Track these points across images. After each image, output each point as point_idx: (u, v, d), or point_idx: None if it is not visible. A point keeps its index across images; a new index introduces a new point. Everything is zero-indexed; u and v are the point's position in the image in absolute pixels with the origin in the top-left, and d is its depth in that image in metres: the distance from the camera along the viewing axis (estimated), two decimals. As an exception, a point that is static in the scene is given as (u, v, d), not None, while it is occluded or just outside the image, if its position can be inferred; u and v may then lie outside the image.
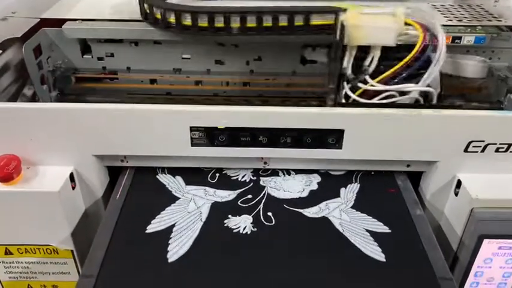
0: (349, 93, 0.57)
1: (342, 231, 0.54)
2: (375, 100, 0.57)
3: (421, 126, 0.56)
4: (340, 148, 0.57)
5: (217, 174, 0.63)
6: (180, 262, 0.50)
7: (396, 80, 0.56)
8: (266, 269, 0.49)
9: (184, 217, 0.56)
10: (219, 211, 0.56)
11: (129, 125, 0.56)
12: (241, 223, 0.55)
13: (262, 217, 0.56)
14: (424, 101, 0.58)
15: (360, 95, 0.57)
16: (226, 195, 0.59)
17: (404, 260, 0.51)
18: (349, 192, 0.60)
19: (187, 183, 0.61)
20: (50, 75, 0.70)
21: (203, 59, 0.71)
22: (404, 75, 0.56)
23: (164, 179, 0.62)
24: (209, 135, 0.57)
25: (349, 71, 0.57)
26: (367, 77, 0.57)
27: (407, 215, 0.57)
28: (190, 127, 0.56)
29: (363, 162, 0.62)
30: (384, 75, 0.56)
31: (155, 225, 0.54)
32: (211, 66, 0.72)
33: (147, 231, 0.53)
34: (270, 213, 0.56)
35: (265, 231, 0.54)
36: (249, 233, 0.53)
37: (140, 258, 0.50)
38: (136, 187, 0.61)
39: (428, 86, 0.56)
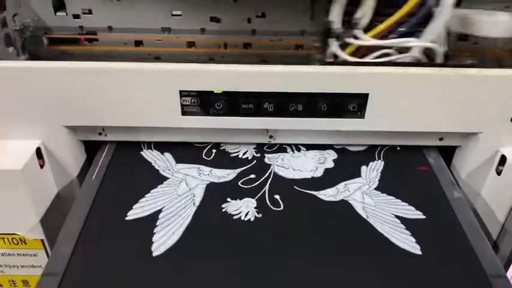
0: (338, 51, 0.47)
1: (365, 217, 0.44)
2: (368, 59, 0.47)
3: (461, 89, 0.46)
4: (363, 117, 0.47)
5: (214, 151, 0.53)
6: (167, 256, 0.40)
7: (393, 36, 0.47)
8: (274, 264, 0.40)
9: (174, 201, 0.46)
10: (215, 194, 0.47)
11: (105, 88, 0.46)
12: (243, 208, 0.45)
13: (268, 201, 0.46)
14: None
15: (352, 54, 0.48)
16: (224, 175, 0.49)
17: (444, 253, 0.41)
18: (372, 170, 0.51)
19: (178, 160, 0.51)
20: (17, 36, 0.60)
21: (196, 15, 0.60)
22: (403, 29, 0.46)
23: (150, 155, 0.52)
24: (203, 102, 0.47)
25: (337, 25, 0.47)
26: (359, 32, 0.47)
27: (443, 197, 0.47)
28: (180, 91, 0.46)
29: (387, 135, 0.52)
30: (379, 27, 0.47)
31: (137, 211, 0.45)
32: (205, 25, 0.61)
33: (127, 218, 0.44)
34: (277, 196, 0.47)
35: (272, 218, 0.44)
36: (252, 219, 0.44)
37: (117, 251, 0.41)
38: (117, 165, 0.51)
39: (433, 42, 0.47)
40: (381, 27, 0.47)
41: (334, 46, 0.48)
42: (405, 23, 0.47)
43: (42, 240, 0.50)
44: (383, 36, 0.47)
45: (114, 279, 0.38)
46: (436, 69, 0.46)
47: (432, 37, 0.46)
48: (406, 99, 0.47)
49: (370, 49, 0.48)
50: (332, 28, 0.48)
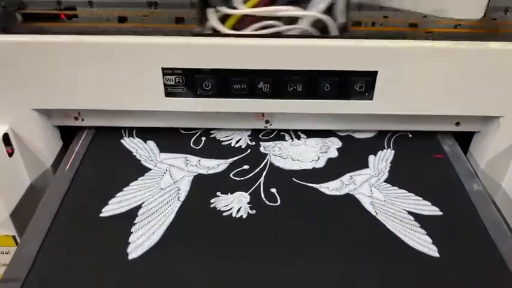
0: (217, 25, 0.42)
1: (374, 213, 0.39)
2: (248, 30, 0.42)
3: (485, 65, 0.40)
4: (371, 99, 0.42)
5: (203, 139, 0.48)
6: (145, 260, 0.35)
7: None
8: (269, 269, 0.34)
9: (156, 195, 0.40)
10: (203, 187, 0.41)
11: (78, 65, 0.42)
12: (234, 203, 0.40)
13: (263, 195, 0.41)
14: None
15: (234, 28, 0.43)
16: (214, 166, 0.44)
17: (465, 254, 0.36)
18: (381, 160, 0.45)
19: (162, 149, 0.46)
20: (-13, 11, 0.54)
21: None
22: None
23: (131, 144, 0.47)
24: (189, 81, 0.42)
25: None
26: (238, 1, 0.42)
27: (461, 190, 0.42)
28: (163, 69, 0.41)
29: (398, 120, 0.47)
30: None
31: (114, 207, 0.39)
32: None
33: (101, 215, 0.38)
34: (273, 190, 0.41)
35: (268, 215, 0.39)
36: (244, 217, 0.38)
37: (88, 254, 0.35)
38: (93, 155, 0.46)
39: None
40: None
41: (213, 19, 0.42)
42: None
43: (13, 237, 0.45)
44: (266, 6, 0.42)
45: (82, 286, 0.33)
46: (452, 43, 0.40)
47: (322, 6, 0.41)
48: (420, 77, 0.42)
49: (255, 21, 0.42)
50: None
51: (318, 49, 0.40)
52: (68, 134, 0.49)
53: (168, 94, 0.42)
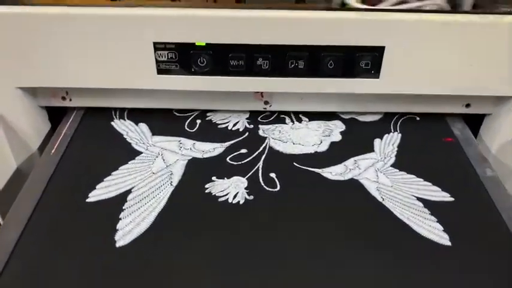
0: None
1: (381, 199, 0.36)
2: (382, 6, 0.39)
3: (495, 41, 0.37)
4: (377, 77, 0.39)
5: (198, 121, 0.45)
6: (134, 247, 0.32)
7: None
8: (266, 258, 0.31)
9: (147, 180, 0.38)
10: (198, 171, 0.39)
11: (64, 39, 0.39)
12: (231, 188, 0.37)
13: (261, 180, 0.38)
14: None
15: (363, 1, 0.40)
16: (210, 149, 0.41)
17: (479, 242, 0.33)
18: (387, 144, 0.42)
19: (155, 132, 0.43)
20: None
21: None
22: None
23: (122, 126, 0.44)
24: (183, 57, 0.39)
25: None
26: None
27: (473, 176, 0.39)
28: (155, 43, 0.38)
29: (405, 101, 0.44)
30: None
31: (101, 192, 0.37)
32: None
33: (88, 200, 0.36)
34: (272, 175, 0.38)
35: (266, 201, 0.36)
36: (241, 202, 0.36)
37: (73, 240, 0.33)
38: (82, 137, 0.43)
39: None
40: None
41: None
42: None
43: (-2, 223, 0.43)
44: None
45: (66, 275, 0.30)
46: (465, 16, 0.37)
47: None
48: (430, 54, 0.39)
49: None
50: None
51: (320, 22, 0.37)
52: (56, 116, 0.47)
53: (160, 71, 0.39)
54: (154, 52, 0.38)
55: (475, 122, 0.47)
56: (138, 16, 0.37)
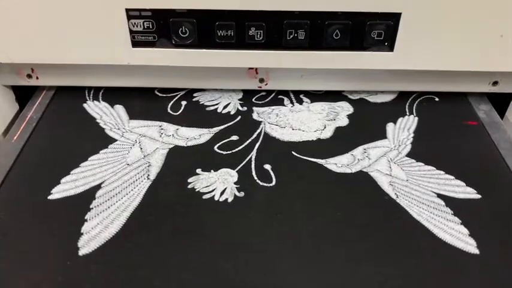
0: None
1: (394, 196, 0.31)
2: None
3: None
4: (391, 49, 0.33)
5: (184, 103, 0.39)
6: (99, 257, 0.27)
7: None
8: (259, 270, 0.26)
9: (120, 173, 0.32)
10: (180, 162, 0.34)
11: (24, 8, 0.32)
12: (218, 183, 0.31)
13: (254, 173, 0.33)
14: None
15: None
16: (195, 136, 0.36)
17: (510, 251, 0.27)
18: (402, 130, 0.37)
19: (133, 116, 0.38)
20: None
21: None
22: None
23: (96, 108, 0.38)
24: (161, 27, 0.33)
25: None
26: None
27: (502, 166, 0.34)
28: (127, 10, 0.32)
29: (422, 79, 0.39)
30: None
31: (66, 187, 0.31)
32: None
33: (50, 197, 0.30)
34: (267, 167, 0.33)
35: (259, 198, 0.31)
36: (230, 200, 0.30)
37: (29, 245, 0.28)
38: (49, 122, 0.38)
39: None
40: None
41: None
42: None
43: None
44: None
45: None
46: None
47: None
48: (452, 22, 0.33)
49: None
50: None
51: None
52: (25, 97, 0.41)
53: (135, 44, 0.34)
54: (128, 21, 0.33)
55: (502, 103, 0.41)
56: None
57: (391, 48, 0.34)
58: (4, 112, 0.41)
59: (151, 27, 0.33)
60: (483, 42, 0.34)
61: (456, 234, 0.28)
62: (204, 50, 0.34)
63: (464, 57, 0.35)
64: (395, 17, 0.32)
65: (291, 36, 0.33)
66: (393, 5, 0.32)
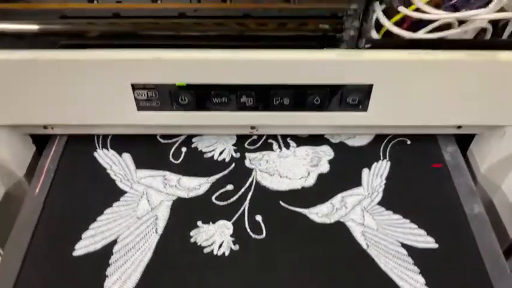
0: (383, 19, 0.35)
1: (365, 246, 0.36)
2: (421, 33, 0.36)
3: (494, 77, 0.36)
4: (365, 110, 0.38)
5: (184, 149, 0.44)
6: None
7: (453, 2, 0.36)
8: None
9: (132, 227, 0.38)
10: (183, 215, 0.39)
11: (39, 82, 0.37)
12: (216, 237, 0.37)
13: (247, 224, 0.38)
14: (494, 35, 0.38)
15: (397, 23, 0.36)
16: (195, 186, 0.41)
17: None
18: (376, 176, 0.42)
19: (139, 165, 0.42)
20: None
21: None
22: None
23: (105, 158, 0.43)
24: (163, 95, 0.37)
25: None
26: None
27: (460, 214, 0.39)
28: (133, 85, 0.36)
29: (396, 126, 0.42)
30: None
31: (87, 242, 0.37)
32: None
33: (75, 254, 0.36)
34: (258, 218, 0.38)
35: (251, 251, 0.37)
36: (227, 254, 0.36)
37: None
38: (65, 173, 0.42)
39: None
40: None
41: (377, 12, 0.35)
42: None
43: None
44: (436, 5, 0.35)
45: None
46: (468, 53, 0.35)
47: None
48: (418, 89, 0.37)
49: (425, 19, 0.36)
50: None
51: (304, 63, 0.35)
52: (40, 139, 0.45)
53: (140, 108, 0.38)
54: (133, 91, 0.36)
55: (467, 137, 0.46)
56: (113, 61, 0.35)
57: (365, 109, 0.38)
58: (24, 157, 0.45)
59: (154, 96, 0.37)
60: (446, 103, 0.38)
61: (414, 284, 0.34)
62: (201, 112, 0.38)
63: (429, 115, 0.39)
64: (367, 88, 0.36)
65: (277, 102, 0.37)
66: (366, 79, 0.36)
